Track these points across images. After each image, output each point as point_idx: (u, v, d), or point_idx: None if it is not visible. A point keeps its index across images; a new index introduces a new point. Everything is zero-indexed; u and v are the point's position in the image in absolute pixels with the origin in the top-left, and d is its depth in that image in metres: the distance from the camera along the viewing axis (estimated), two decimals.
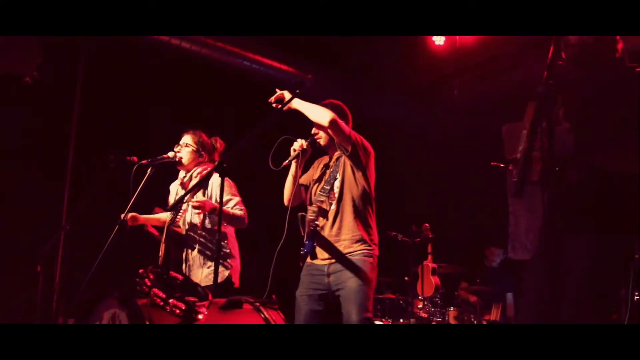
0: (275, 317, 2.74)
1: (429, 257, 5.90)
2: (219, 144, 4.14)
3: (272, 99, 3.38)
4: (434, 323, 5.53)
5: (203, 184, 3.83)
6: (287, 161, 3.48)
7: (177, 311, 2.42)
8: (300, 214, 3.48)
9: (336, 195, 3.48)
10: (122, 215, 3.87)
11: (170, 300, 2.43)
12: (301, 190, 3.70)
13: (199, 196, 3.88)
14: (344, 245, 3.40)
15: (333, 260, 3.42)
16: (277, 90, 3.40)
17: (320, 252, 3.48)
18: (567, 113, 2.34)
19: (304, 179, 3.72)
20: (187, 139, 4.04)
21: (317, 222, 3.40)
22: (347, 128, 3.40)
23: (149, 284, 2.46)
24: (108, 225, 4.93)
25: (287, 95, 3.35)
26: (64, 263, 4.88)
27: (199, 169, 3.98)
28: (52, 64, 4.83)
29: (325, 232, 3.46)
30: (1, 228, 4.99)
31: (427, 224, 5.72)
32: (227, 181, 3.92)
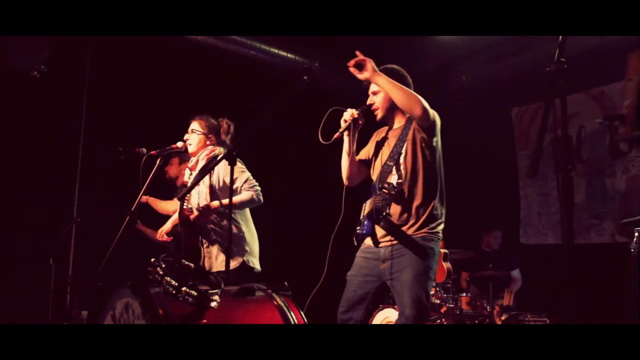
0: (289, 304, 2.73)
1: (440, 242, 5.87)
2: (226, 124, 4.13)
3: (352, 62, 3.15)
4: (444, 309, 5.51)
5: (209, 168, 3.80)
6: (337, 133, 3.24)
7: (190, 299, 2.42)
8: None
9: (402, 172, 3.21)
10: (133, 207, 3.89)
11: (183, 289, 2.42)
12: (360, 166, 3.46)
13: (205, 182, 3.89)
14: (407, 226, 3.16)
15: (391, 244, 3.18)
16: (357, 53, 3.17)
17: (380, 234, 3.24)
18: None
19: (362, 154, 3.49)
20: (194, 125, 4.07)
21: (388, 211, 3.07)
22: (431, 112, 3.15)
23: (161, 272, 2.46)
24: (119, 216, 4.96)
25: (369, 66, 3.12)
26: (76, 256, 4.89)
27: (206, 152, 3.99)
28: (60, 57, 4.83)
29: (389, 211, 3.15)
30: (13, 222, 5.01)
31: None
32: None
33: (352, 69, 3.16)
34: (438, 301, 5.57)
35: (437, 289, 5.65)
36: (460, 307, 5.57)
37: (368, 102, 3.35)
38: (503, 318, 5.43)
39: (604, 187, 6.34)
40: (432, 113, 3.17)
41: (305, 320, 2.71)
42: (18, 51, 4.55)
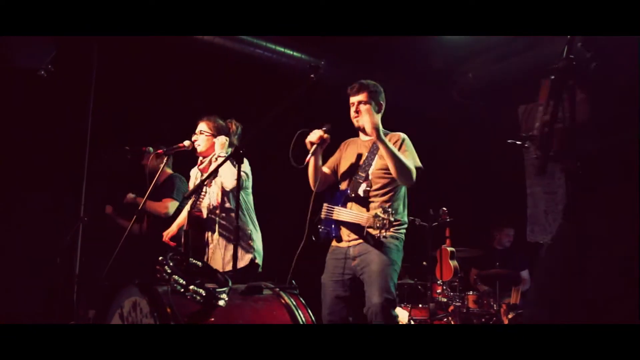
0: (297, 303, 2.73)
1: (447, 241, 5.87)
2: (235, 125, 4.12)
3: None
4: (452, 308, 5.50)
5: (216, 170, 3.79)
6: (309, 157, 3.44)
7: (198, 298, 2.42)
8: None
9: (370, 182, 3.46)
10: (140, 206, 3.90)
11: (191, 287, 2.42)
12: (327, 175, 3.67)
13: (217, 182, 3.89)
14: (372, 230, 3.35)
15: (358, 242, 3.43)
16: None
17: (345, 234, 3.49)
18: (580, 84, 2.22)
19: (330, 164, 3.73)
20: (202, 126, 4.05)
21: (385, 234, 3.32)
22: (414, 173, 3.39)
23: (168, 271, 2.46)
24: (125, 215, 4.96)
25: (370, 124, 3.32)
26: (83, 255, 4.90)
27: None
28: (67, 56, 4.83)
29: (355, 217, 3.43)
30: (20, 222, 5.03)
31: (444, 208, 5.68)
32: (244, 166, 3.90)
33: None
34: (445, 299, 5.56)
35: (444, 287, 5.65)
36: (467, 306, 5.56)
37: (354, 110, 3.55)
38: (510, 316, 5.42)
39: None
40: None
41: (313, 319, 2.71)
42: (25, 51, 4.56)
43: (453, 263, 5.71)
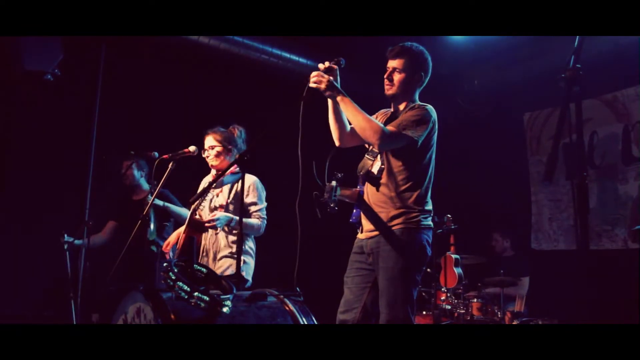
0: (301, 310, 2.73)
1: (452, 248, 5.85)
2: (237, 130, 4.07)
3: (322, 67, 2.97)
4: (456, 315, 5.49)
5: (224, 179, 3.81)
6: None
7: (202, 304, 2.42)
8: (314, 193, 3.04)
9: (385, 158, 3.10)
10: (145, 211, 3.90)
11: (195, 294, 2.42)
12: (355, 132, 3.15)
13: (224, 194, 3.90)
14: (386, 216, 3.05)
15: (373, 234, 3.08)
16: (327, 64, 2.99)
17: (364, 224, 3.17)
18: None
19: None
20: (210, 140, 3.99)
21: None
22: (403, 136, 2.98)
23: (173, 277, 2.46)
24: (130, 221, 4.96)
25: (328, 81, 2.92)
26: (87, 259, 4.90)
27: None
28: (73, 61, 4.84)
29: (370, 199, 3.12)
30: (25, 225, 5.04)
31: (449, 215, 5.67)
32: (257, 184, 3.94)
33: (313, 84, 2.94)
34: (449, 306, 5.55)
35: (448, 294, 5.63)
36: (471, 313, 5.54)
37: (386, 76, 3.20)
38: (514, 324, 5.40)
39: (617, 193, 6.30)
40: (397, 137, 2.99)
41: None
42: (33, 55, 4.57)
43: (457, 270, 5.69)
